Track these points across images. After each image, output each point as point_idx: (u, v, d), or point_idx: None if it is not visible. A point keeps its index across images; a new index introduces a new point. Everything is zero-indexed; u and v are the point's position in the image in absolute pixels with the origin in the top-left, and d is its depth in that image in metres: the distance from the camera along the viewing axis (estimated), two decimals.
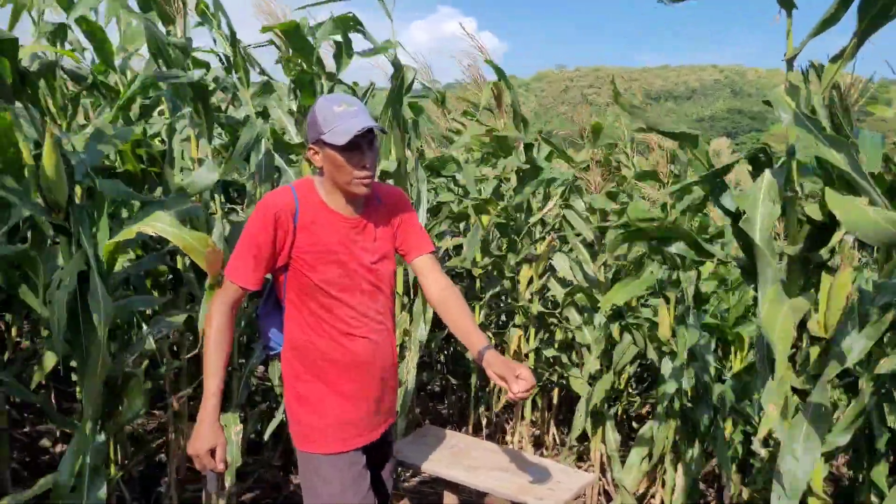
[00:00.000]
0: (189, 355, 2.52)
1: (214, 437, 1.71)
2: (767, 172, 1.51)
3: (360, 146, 1.70)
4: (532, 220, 3.62)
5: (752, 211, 1.50)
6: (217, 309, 1.74)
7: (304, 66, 2.60)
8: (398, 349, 3.07)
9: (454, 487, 2.47)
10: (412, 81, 2.93)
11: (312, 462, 1.83)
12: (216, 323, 1.73)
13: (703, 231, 3.35)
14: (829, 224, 1.55)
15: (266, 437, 2.77)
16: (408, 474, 3.62)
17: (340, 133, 1.65)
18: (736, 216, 1.70)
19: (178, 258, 2.50)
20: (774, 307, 1.42)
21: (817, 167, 1.57)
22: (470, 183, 3.73)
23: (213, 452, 1.71)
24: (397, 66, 2.79)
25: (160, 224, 1.81)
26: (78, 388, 1.97)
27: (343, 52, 2.75)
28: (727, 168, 1.75)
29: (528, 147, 3.50)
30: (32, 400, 2.02)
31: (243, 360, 2.75)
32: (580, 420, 3.34)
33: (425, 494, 3.49)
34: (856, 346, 1.66)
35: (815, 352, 1.80)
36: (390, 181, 2.90)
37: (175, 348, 2.93)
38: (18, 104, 1.81)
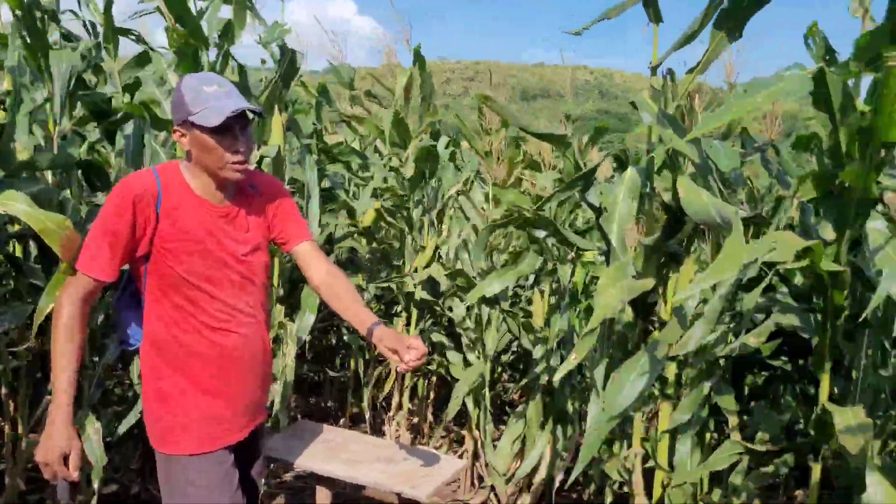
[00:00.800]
0: (24, 347, 2.27)
1: (68, 442, 1.56)
2: (630, 169, 1.63)
3: (233, 129, 1.61)
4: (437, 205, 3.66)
5: (612, 207, 1.61)
6: (67, 301, 1.59)
7: (188, 38, 2.46)
8: (272, 342, 2.97)
9: (327, 482, 2.44)
10: (300, 65, 2.86)
11: (175, 464, 1.72)
12: (66, 313, 1.58)
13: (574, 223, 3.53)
14: (681, 213, 1.69)
15: (120, 435, 2.58)
16: (282, 470, 3.52)
17: (211, 114, 1.56)
18: (600, 210, 1.82)
19: (17, 246, 2.25)
20: (610, 281, 1.57)
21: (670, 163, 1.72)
22: (379, 170, 3.71)
23: (65, 459, 1.56)
24: (284, 49, 2.70)
25: (14, 203, 1.64)
26: None
27: (234, 26, 2.64)
28: (594, 170, 1.87)
29: (435, 135, 3.52)
30: None
31: (96, 358, 2.55)
32: (455, 403, 3.42)
33: (300, 490, 3.43)
34: (695, 333, 1.82)
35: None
36: (266, 168, 2.80)
37: (12, 346, 2.64)
38: None
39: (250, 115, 1.68)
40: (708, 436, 2.46)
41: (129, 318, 1.77)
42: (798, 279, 2.15)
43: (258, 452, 1.98)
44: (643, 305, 1.79)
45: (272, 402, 3.00)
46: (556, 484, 3.16)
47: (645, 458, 2.14)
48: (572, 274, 3.02)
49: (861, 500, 1.39)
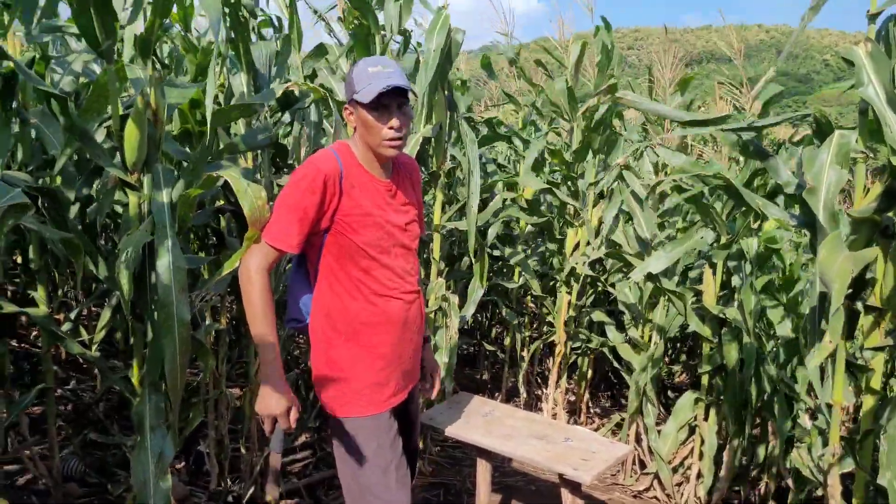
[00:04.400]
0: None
1: (289, 397, 1.72)
2: (837, 133, 1.42)
3: (389, 106, 1.71)
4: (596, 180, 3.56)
5: (817, 179, 1.42)
6: (258, 272, 1.71)
7: (362, 21, 2.62)
8: (436, 315, 3.06)
9: (487, 454, 2.47)
10: (461, 44, 2.88)
11: (347, 426, 1.83)
12: (260, 286, 1.70)
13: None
14: None
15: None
16: (440, 438, 3.64)
17: (369, 91, 1.67)
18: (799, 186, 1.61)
19: (222, 219, 2.50)
20: (832, 253, 1.41)
21: None
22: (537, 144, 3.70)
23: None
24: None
25: (231, 173, 1.85)
26: (133, 346, 1.99)
27: (402, 11, 2.81)
28: (763, 126, 1.65)
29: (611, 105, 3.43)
30: (89, 357, 2.05)
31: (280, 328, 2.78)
32: (635, 393, 3.28)
33: (458, 459, 3.52)
34: None
35: (868, 321, 1.72)
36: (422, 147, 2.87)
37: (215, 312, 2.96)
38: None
39: (409, 93, 1.74)
40: None
41: (303, 294, 1.90)
42: None
43: (416, 416, 2.08)
44: (853, 284, 1.56)
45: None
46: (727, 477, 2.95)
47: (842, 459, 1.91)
48: (756, 248, 2.74)
49: None
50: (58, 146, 2.03)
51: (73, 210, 2.23)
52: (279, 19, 2.86)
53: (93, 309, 4.04)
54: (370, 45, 2.75)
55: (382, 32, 2.78)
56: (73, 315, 2.89)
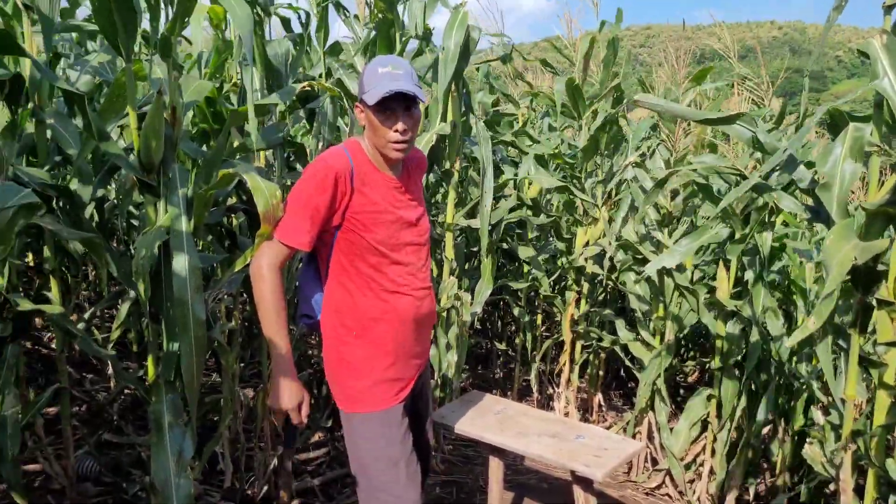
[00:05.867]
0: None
1: (301, 393, 1.76)
2: (852, 126, 1.41)
3: (395, 110, 1.71)
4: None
5: (831, 174, 1.41)
6: (270, 269, 1.72)
7: (387, 15, 2.66)
8: (448, 313, 3.07)
9: (499, 452, 2.47)
10: (477, 42, 2.88)
11: (358, 422, 1.84)
12: (271, 282, 1.72)
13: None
14: None
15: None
16: (452, 437, 3.64)
17: (375, 93, 1.67)
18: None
19: (234, 218, 2.52)
20: (839, 241, 1.41)
21: None
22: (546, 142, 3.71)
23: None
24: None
25: (244, 169, 1.88)
26: (148, 344, 2.00)
27: (426, 7, 2.86)
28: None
29: (617, 102, 3.42)
30: (102, 356, 2.06)
31: (292, 325, 2.80)
32: (644, 391, 3.28)
33: (470, 458, 3.53)
34: None
35: (882, 317, 1.71)
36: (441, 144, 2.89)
37: (227, 309, 2.97)
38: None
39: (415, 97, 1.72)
40: None
41: (314, 291, 1.92)
42: None
43: (425, 412, 2.09)
44: (865, 277, 1.55)
45: (445, 372, 3.11)
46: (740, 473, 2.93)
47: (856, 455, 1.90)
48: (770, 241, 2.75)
49: None
50: (74, 145, 2.05)
51: (89, 210, 2.26)
52: (307, 14, 2.86)
53: (105, 311, 4.07)
54: (392, 41, 2.76)
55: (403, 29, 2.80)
56: (86, 316, 2.92)
